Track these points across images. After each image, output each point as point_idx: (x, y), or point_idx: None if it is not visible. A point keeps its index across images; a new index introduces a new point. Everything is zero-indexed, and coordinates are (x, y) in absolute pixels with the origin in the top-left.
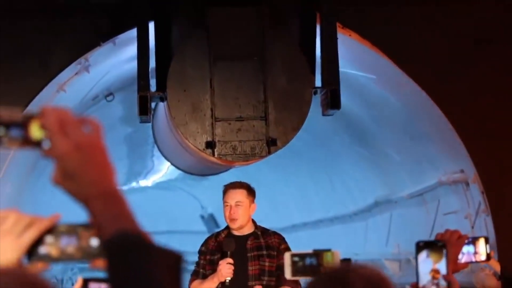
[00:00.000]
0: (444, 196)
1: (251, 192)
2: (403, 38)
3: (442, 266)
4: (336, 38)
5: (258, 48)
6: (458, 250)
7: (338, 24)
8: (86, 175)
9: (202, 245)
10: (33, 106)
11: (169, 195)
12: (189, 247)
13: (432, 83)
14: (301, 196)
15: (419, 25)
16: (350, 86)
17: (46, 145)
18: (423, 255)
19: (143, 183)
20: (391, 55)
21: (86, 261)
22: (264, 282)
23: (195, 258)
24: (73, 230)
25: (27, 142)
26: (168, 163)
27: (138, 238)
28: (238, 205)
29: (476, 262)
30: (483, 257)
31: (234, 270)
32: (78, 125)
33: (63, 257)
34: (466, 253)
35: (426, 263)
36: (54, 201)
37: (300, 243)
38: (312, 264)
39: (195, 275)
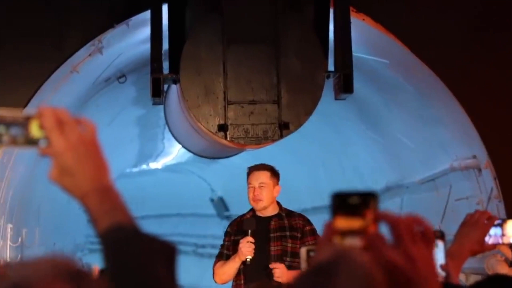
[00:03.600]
0: (456, 182)
1: (275, 174)
2: (416, 22)
3: (440, 256)
4: (350, 22)
5: (272, 31)
6: (486, 231)
7: (351, 8)
8: (81, 172)
9: (227, 227)
10: (47, 87)
11: (179, 178)
12: (198, 230)
13: (445, 68)
14: (311, 181)
15: (433, 9)
16: (363, 70)
17: (43, 143)
18: None
19: (153, 165)
20: (404, 39)
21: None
22: (287, 263)
23: (204, 240)
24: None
25: (27, 141)
26: (179, 146)
27: (133, 231)
28: (262, 186)
29: (503, 244)
30: (511, 239)
31: (256, 251)
32: (74, 125)
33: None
34: (493, 235)
35: None
36: None
37: None
38: None
39: (220, 256)
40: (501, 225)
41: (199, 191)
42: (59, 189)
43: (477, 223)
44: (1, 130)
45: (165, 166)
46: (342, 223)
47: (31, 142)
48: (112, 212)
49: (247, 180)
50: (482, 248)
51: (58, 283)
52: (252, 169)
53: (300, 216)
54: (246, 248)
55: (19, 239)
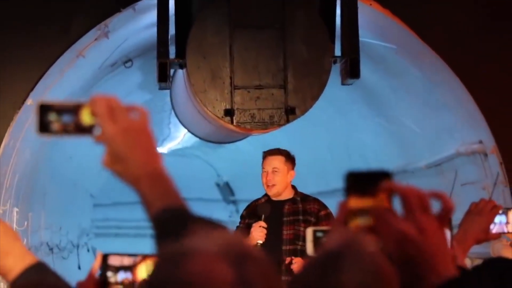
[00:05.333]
0: (462, 167)
1: (289, 158)
2: (424, 7)
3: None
4: (357, 7)
5: (278, 16)
6: (491, 219)
7: None
8: (133, 158)
9: (243, 210)
10: (53, 71)
11: (185, 162)
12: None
13: (452, 53)
14: (317, 165)
15: None
16: (370, 55)
17: (96, 131)
18: None
19: (159, 150)
20: (412, 24)
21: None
22: (299, 247)
23: None
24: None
25: (78, 128)
26: (185, 130)
27: (185, 214)
28: (275, 171)
29: (509, 232)
30: None
31: (269, 234)
32: (126, 112)
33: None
34: (498, 223)
35: None
36: (70, 168)
37: None
38: None
39: None
40: (506, 213)
41: (205, 176)
42: (64, 172)
43: (482, 212)
44: (53, 118)
45: (171, 150)
46: (356, 202)
47: (83, 129)
48: (164, 197)
49: (262, 164)
50: (487, 236)
51: (219, 259)
52: (266, 154)
53: (316, 200)
54: (258, 233)
55: (25, 223)
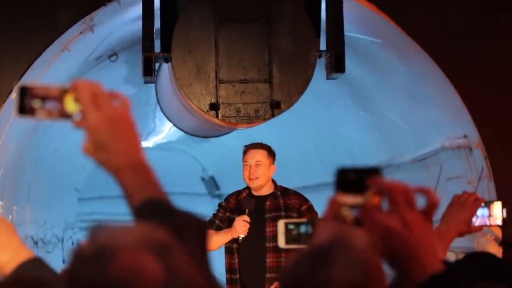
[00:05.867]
0: (447, 161)
1: (271, 153)
2: (409, 1)
3: None
4: (342, 1)
5: (264, 10)
6: (473, 212)
7: None
8: (116, 146)
9: (223, 201)
10: (38, 64)
11: (170, 156)
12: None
13: (437, 48)
14: (302, 159)
15: None
16: (355, 50)
17: (77, 117)
18: None
19: (144, 144)
20: (396, 18)
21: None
22: None
23: None
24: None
25: (62, 114)
26: (170, 124)
27: (166, 205)
28: (258, 164)
29: (491, 225)
30: (498, 221)
31: (251, 231)
32: (109, 99)
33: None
34: (480, 216)
35: None
36: (55, 161)
37: None
38: (308, 232)
39: (210, 224)
40: (488, 206)
41: (190, 170)
42: (49, 166)
43: (464, 204)
44: (37, 104)
45: (156, 144)
46: (346, 198)
47: (66, 115)
48: (146, 187)
49: (243, 158)
50: (469, 229)
51: (143, 252)
52: (248, 148)
53: (296, 194)
54: (241, 227)
55: (10, 217)
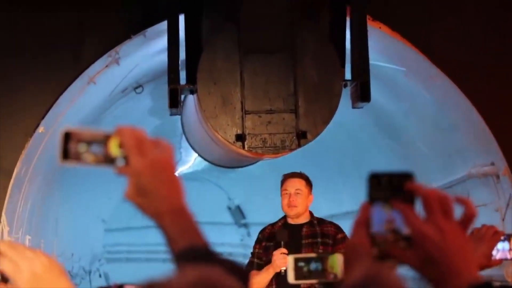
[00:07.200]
0: (474, 189)
1: (309, 182)
2: (433, 29)
3: None
4: (366, 31)
5: (288, 40)
6: (493, 245)
7: (368, 16)
8: (157, 192)
9: (259, 234)
10: (64, 98)
11: (196, 186)
12: (215, 237)
13: (462, 75)
14: (329, 188)
15: (450, 17)
16: (380, 78)
17: (120, 162)
18: None
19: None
20: (421, 47)
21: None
22: None
23: (221, 248)
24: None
25: (106, 159)
26: (196, 155)
27: (207, 251)
28: (298, 193)
29: (511, 259)
30: None
31: None
32: (152, 145)
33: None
34: (501, 250)
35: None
36: (81, 192)
37: None
38: (317, 268)
39: (249, 265)
40: (508, 240)
41: (216, 199)
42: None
43: (484, 238)
44: (82, 148)
45: (182, 174)
46: (378, 204)
47: (110, 160)
48: (186, 233)
49: (282, 187)
50: (489, 263)
51: None
52: (287, 176)
53: (332, 223)
54: (281, 260)
55: None
